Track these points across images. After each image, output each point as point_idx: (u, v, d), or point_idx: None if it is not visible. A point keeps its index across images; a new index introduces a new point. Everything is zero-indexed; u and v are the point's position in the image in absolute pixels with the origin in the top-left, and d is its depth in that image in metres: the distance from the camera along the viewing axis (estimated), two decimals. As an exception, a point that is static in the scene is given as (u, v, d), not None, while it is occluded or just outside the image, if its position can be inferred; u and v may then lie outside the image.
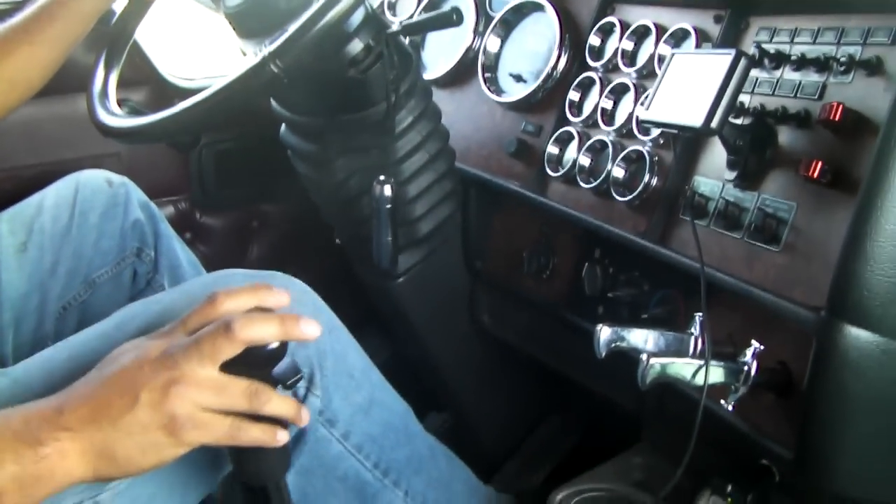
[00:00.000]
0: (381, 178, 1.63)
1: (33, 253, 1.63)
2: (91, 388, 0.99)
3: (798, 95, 1.29)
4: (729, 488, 1.42)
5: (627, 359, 1.31)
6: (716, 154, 1.40)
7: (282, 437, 1.04)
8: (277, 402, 1.02)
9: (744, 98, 1.35)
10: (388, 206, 1.64)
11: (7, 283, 1.58)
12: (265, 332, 0.99)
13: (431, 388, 2.10)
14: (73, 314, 1.67)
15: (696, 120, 1.23)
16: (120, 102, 1.57)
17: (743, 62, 1.22)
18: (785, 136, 1.30)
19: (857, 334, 1.12)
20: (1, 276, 1.58)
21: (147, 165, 2.25)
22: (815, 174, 1.19)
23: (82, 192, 1.70)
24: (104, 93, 1.56)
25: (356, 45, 1.56)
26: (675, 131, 1.38)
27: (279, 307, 1.07)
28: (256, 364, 1.00)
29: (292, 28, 1.28)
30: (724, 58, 1.23)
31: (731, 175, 1.34)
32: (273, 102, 1.74)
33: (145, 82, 2.23)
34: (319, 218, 1.96)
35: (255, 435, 1.02)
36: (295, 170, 1.85)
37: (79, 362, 1.14)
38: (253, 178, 2.43)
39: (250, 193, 2.47)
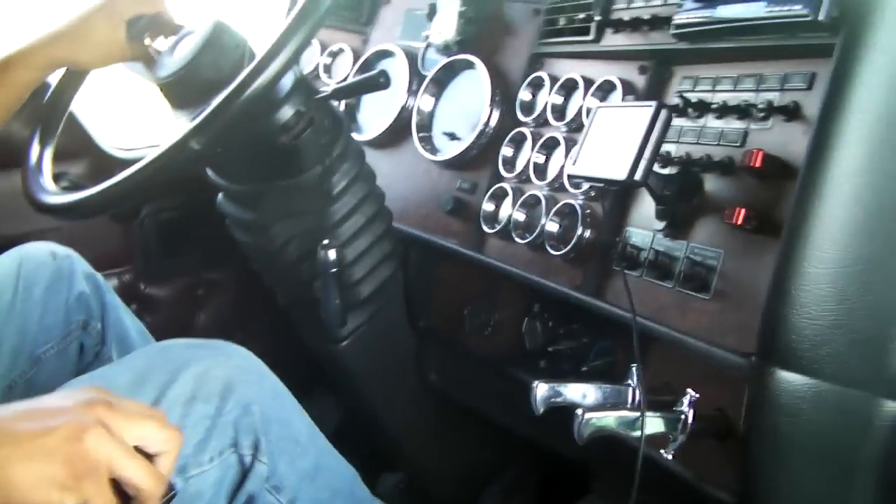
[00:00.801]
0: (325, 242, 1.63)
1: (-23, 330, 1.61)
2: (14, 411, 0.95)
3: (721, 143, 1.31)
4: (678, 535, 1.42)
5: (569, 413, 1.32)
6: (645, 204, 1.41)
7: None
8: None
9: (670, 147, 1.37)
10: (334, 269, 1.64)
11: (-51, 361, 1.57)
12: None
13: (384, 449, 2.09)
14: (18, 392, 1.63)
15: (621, 173, 1.24)
16: (57, 177, 1.56)
17: (664, 113, 1.23)
18: (711, 183, 1.31)
19: (789, 378, 1.13)
20: (-57, 355, 1.56)
21: (91, 237, 2.24)
22: (740, 221, 1.20)
23: (26, 266, 1.68)
24: (39, 168, 1.56)
25: (287, 112, 1.56)
26: (602, 185, 1.39)
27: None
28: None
29: (214, 103, 1.28)
30: (645, 110, 1.25)
31: (661, 225, 1.35)
32: (208, 171, 1.74)
33: (84, 154, 2.23)
34: (263, 284, 1.95)
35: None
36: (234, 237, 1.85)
37: None
38: (196, 246, 2.43)
39: (194, 261, 2.47)
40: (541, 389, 1.30)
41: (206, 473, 1.32)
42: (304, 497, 1.41)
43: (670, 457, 1.28)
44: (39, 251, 1.72)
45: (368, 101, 2.15)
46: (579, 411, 1.23)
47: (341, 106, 2.11)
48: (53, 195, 1.49)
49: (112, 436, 0.93)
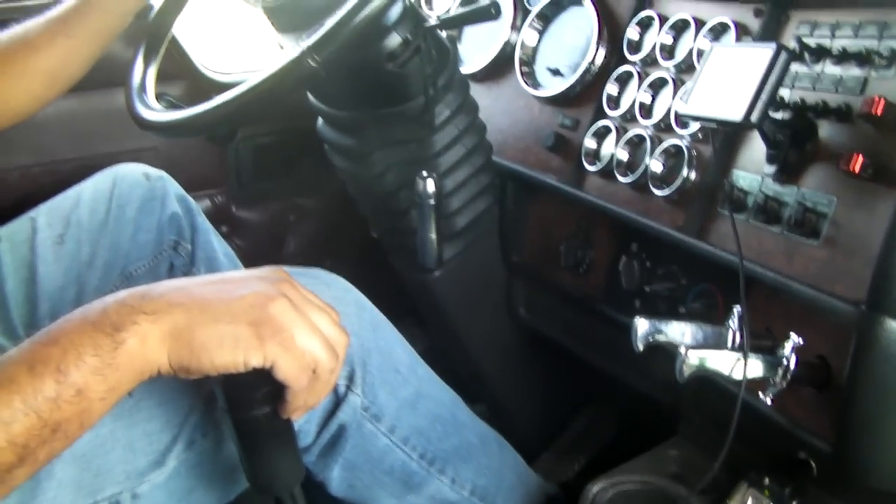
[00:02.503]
0: (424, 173, 1.63)
1: (71, 246, 1.63)
2: (187, 280, 1.00)
3: (839, 90, 1.29)
4: (766, 482, 1.41)
5: (664, 352, 1.32)
6: (755, 148, 1.40)
7: (297, 414, 1.05)
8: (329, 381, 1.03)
9: (783, 92, 1.35)
10: (432, 201, 1.64)
11: (45, 275, 1.59)
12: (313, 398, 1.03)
13: (467, 380, 2.11)
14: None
15: (736, 114, 1.22)
16: (158, 97, 1.57)
17: (783, 56, 1.21)
18: (825, 130, 1.29)
19: (898, 328, 1.12)
20: (38, 269, 1.59)
21: (184, 159, 2.27)
22: (856, 168, 1.18)
23: (120, 186, 1.70)
24: (143, 87, 1.57)
25: (394, 39, 1.56)
26: (714, 125, 1.38)
27: None
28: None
29: (330, 22, 1.28)
30: (764, 51, 1.23)
31: (771, 169, 1.33)
32: (310, 97, 1.75)
33: (183, 76, 2.24)
34: (355, 211, 1.96)
35: (316, 398, 1.04)
36: (331, 163, 1.86)
37: None
38: (289, 172, 2.44)
39: (287, 187, 2.48)
40: (641, 325, 1.29)
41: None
42: (404, 425, 1.43)
43: (769, 401, 1.27)
44: (133, 172, 1.74)
45: (470, 34, 2.13)
46: (682, 349, 1.23)
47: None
48: (158, 112, 1.51)
49: (296, 308, 0.97)
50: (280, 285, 0.98)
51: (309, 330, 0.97)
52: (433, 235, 1.69)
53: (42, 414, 0.88)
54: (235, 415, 1.05)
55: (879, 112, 1.18)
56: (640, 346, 1.30)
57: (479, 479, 1.57)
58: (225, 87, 1.62)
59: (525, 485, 1.72)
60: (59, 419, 0.89)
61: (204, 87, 2.24)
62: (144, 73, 1.60)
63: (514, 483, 1.69)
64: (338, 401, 1.35)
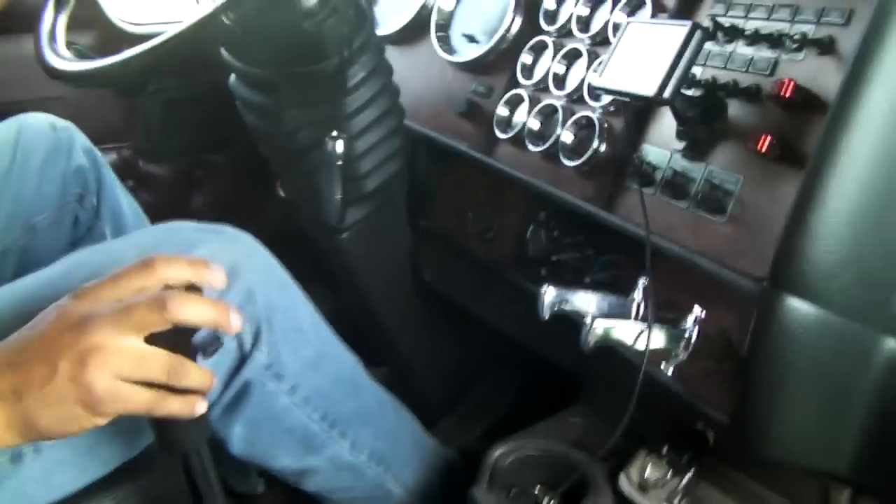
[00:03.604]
0: (334, 133, 1.63)
1: (-27, 195, 1.60)
2: (13, 355, 0.97)
3: (750, 70, 1.31)
4: (665, 450, 1.45)
5: (569, 321, 1.33)
6: (665, 124, 1.41)
7: (200, 408, 1.04)
8: (195, 376, 1.02)
9: (696, 70, 1.37)
10: (339, 162, 1.64)
11: (-56, 224, 1.56)
12: (198, 317, 0.99)
13: (372, 342, 2.11)
14: (11, 259, 1.64)
15: (649, 89, 1.24)
16: (67, 45, 1.55)
17: (698, 34, 1.23)
18: (735, 109, 1.31)
19: (798, 305, 1.14)
20: (-62, 218, 1.56)
21: (92, 110, 2.23)
22: (763, 148, 1.21)
23: (25, 136, 1.67)
24: (52, 34, 1.54)
25: (312, -1, 1.55)
26: (626, 99, 1.39)
27: (213, 288, 1.06)
28: (176, 332, 0.99)
29: None
30: (679, 29, 1.24)
31: (680, 145, 1.35)
32: (223, 52, 1.73)
33: (94, 26, 2.21)
34: (263, 170, 1.95)
35: (175, 407, 1.01)
36: (242, 120, 1.84)
37: (22, 309, 1.13)
38: (199, 127, 2.42)
39: (196, 142, 2.46)
40: (549, 294, 1.31)
41: (204, 357, 1.35)
42: (305, 385, 1.43)
43: (670, 372, 1.30)
44: (39, 122, 1.71)
45: (387, -5, 2.13)
46: (588, 318, 1.25)
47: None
48: (68, 62, 1.48)
49: (108, 356, 0.95)
50: (81, 340, 0.95)
51: (132, 366, 0.97)
52: (338, 196, 1.68)
53: None
54: None
55: (788, 94, 1.20)
56: (547, 315, 1.32)
57: (376, 444, 1.58)
58: (137, 38, 1.59)
59: (421, 449, 1.73)
60: None
61: (115, 37, 2.21)
62: (55, 21, 1.57)
63: (411, 448, 1.70)
64: (243, 358, 1.35)
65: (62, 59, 1.49)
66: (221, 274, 1.05)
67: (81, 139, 1.74)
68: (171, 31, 1.31)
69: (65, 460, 1.20)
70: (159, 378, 0.98)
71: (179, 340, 1.00)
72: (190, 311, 0.97)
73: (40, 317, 1.00)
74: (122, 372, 0.96)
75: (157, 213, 1.75)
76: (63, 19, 1.58)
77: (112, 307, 0.97)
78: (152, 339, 0.97)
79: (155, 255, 1.01)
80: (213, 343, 1.05)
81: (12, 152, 1.65)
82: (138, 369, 0.96)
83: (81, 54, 1.61)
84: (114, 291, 1.00)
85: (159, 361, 0.98)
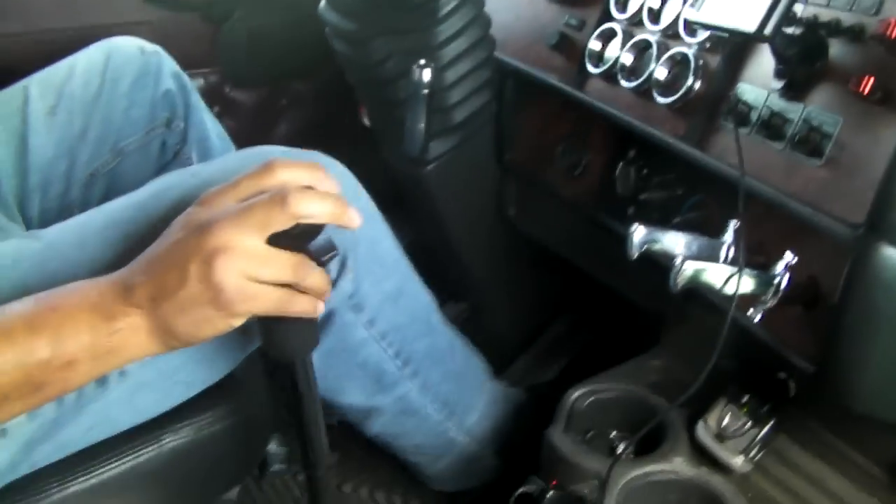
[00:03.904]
0: (422, 61, 1.61)
1: (62, 118, 1.60)
2: (149, 265, 0.99)
3: (853, 9, 1.26)
4: (745, 398, 1.42)
5: (653, 261, 1.31)
6: (763, 62, 1.37)
7: (320, 308, 1.05)
8: (317, 276, 1.02)
9: (797, 7, 1.32)
10: (426, 91, 1.62)
11: (35, 146, 1.56)
12: (318, 212, 0.97)
13: (453, 278, 2.10)
14: (100, 182, 1.65)
15: (749, 25, 1.19)
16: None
17: (803, -32, 1.19)
18: (836, 49, 1.26)
19: (894, 254, 1.11)
20: (29, 140, 1.56)
21: (179, 36, 2.23)
22: (865, 90, 1.16)
23: (114, 59, 1.67)
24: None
25: (406, -75, 1.53)
26: (724, 35, 1.35)
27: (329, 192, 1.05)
28: (296, 237, 0.99)
29: None
30: (783, -37, 1.20)
31: (778, 84, 1.31)
32: (314, -23, 1.72)
33: (182, -50, 2.20)
34: (348, 99, 1.94)
35: (303, 306, 1.02)
36: (328, 48, 1.83)
37: (114, 231, 1.14)
38: (285, 55, 2.41)
39: (281, 70, 2.45)
40: (639, 232, 1.29)
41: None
42: (383, 318, 1.43)
43: (757, 318, 1.27)
44: (128, 45, 1.70)
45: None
46: (678, 259, 1.22)
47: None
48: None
49: (235, 256, 0.95)
50: (208, 242, 0.96)
51: (259, 266, 0.97)
52: (422, 126, 1.67)
53: (30, 373, 0.93)
54: None
55: (894, 35, 1.16)
56: (635, 254, 1.30)
57: (443, 386, 1.58)
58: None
59: (488, 394, 1.74)
60: (43, 381, 0.94)
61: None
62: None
63: (477, 393, 1.71)
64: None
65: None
66: (335, 182, 1.04)
67: (170, 63, 1.74)
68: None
69: (149, 383, 1.21)
70: (286, 276, 0.99)
71: (298, 246, 1.00)
72: (310, 207, 0.96)
73: (170, 227, 1.01)
74: (250, 271, 0.96)
75: (242, 139, 1.75)
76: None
77: (234, 208, 0.98)
78: (273, 243, 0.97)
79: (274, 159, 1.02)
80: (328, 250, 1.04)
81: (102, 76, 1.65)
82: (264, 268, 0.97)
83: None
84: (235, 194, 1.01)
85: (284, 260, 0.98)
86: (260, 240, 0.96)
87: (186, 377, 1.26)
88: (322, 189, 1.01)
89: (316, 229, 1.01)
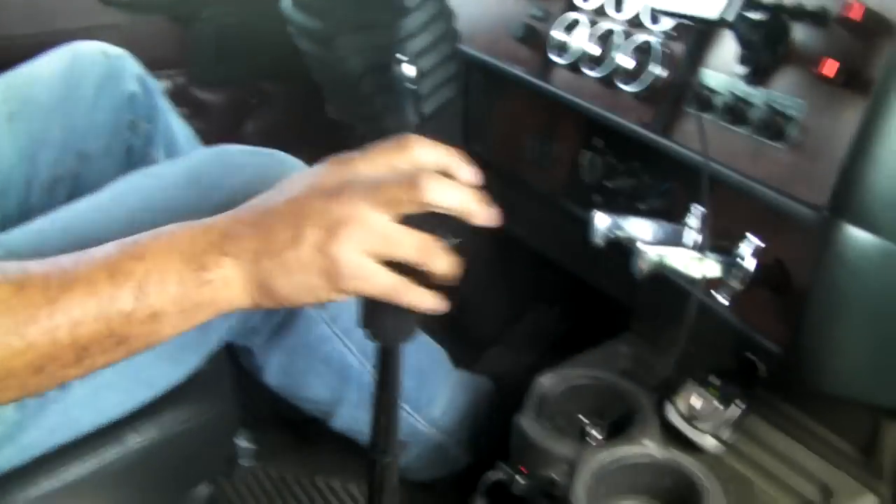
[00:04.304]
0: (399, 56, 1.61)
1: (24, 123, 1.58)
2: (257, 216, 0.94)
3: (816, -8, 1.28)
4: (714, 380, 1.43)
5: (621, 248, 1.32)
6: (726, 48, 1.38)
7: (441, 305, 0.99)
8: (445, 260, 0.96)
9: (760, -9, 1.34)
10: (412, 85, 1.62)
11: (-4, 151, 1.56)
12: (451, 202, 0.93)
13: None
14: (63, 187, 1.63)
15: (712, 12, 1.21)
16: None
17: (764, -46, 1.20)
18: (800, 33, 1.27)
19: (858, 235, 1.12)
20: (-10, 145, 1.56)
21: (145, 38, 2.23)
22: (829, 73, 1.17)
23: (77, 63, 1.66)
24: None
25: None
26: (688, 22, 1.36)
27: (463, 180, 0.99)
28: (424, 222, 0.93)
29: None
30: (743, -51, 1.21)
31: (742, 70, 1.32)
32: (277, -25, 1.72)
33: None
34: (317, 98, 1.94)
35: (417, 299, 0.96)
36: (295, 47, 1.83)
37: (74, 234, 1.13)
38: (252, 55, 2.41)
39: (249, 70, 2.45)
40: (601, 220, 1.29)
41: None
42: (346, 315, 1.44)
43: (725, 302, 1.28)
44: (91, 49, 1.69)
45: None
46: (641, 245, 1.23)
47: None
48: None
49: (359, 229, 0.91)
50: (332, 208, 0.91)
51: (382, 243, 0.92)
52: (412, 120, 1.66)
53: (112, 324, 0.88)
54: None
55: (859, 17, 1.16)
56: (600, 241, 1.30)
57: (406, 379, 1.58)
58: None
59: (450, 386, 1.75)
60: (127, 334, 0.89)
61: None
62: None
63: (440, 384, 1.72)
64: None
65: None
66: (474, 174, 1.00)
67: (134, 66, 1.73)
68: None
69: (112, 384, 1.21)
70: (410, 256, 0.93)
71: (426, 230, 0.94)
72: (442, 194, 0.91)
73: (289, 182, 0.97)
74: (372, 247, 0.91)
75: (211, 140, 1.74)
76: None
77: (366, 180, 0.92)
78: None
79: (410, 136, 0.97)
80: (452, 237, 0.98)
81: (64, 80, 1.64)
82: (388, 245, 0.91)
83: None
84: (367, 166, 0.94)
85: (411, 240, 0.92)
86: (389, 218, 0.91)
87: (150, 377, 1.26)
88: (459, 177, 0.97)
89: (445, 217, 0.95)
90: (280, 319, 1.41)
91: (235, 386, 1.45)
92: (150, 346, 0.93)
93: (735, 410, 1.40)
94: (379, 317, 0.99)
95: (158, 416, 1.30)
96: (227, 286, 0.92)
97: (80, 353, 0.87)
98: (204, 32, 2.32)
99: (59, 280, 0.87)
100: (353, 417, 1.58)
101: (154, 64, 1.86)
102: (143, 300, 0.88)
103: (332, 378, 1.51)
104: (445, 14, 1.74)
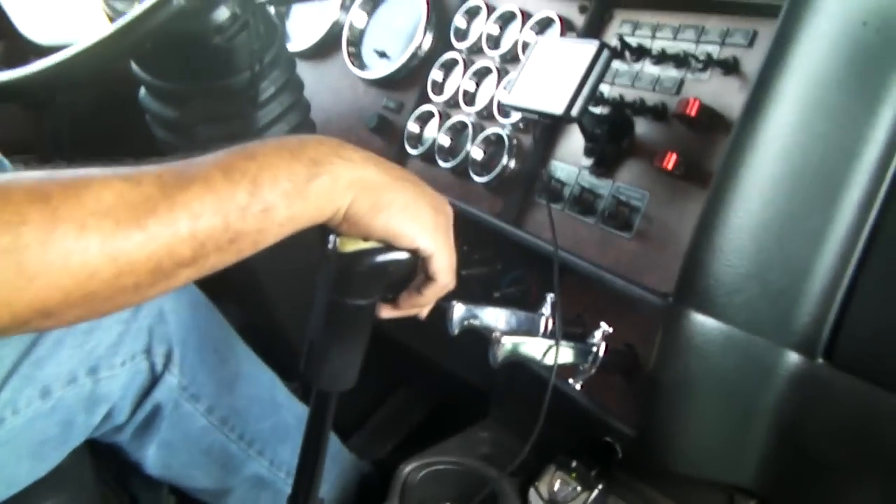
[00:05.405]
0: None
1: None
2: (392, 171, 1.01)
3: (656, 89, 1.34)
4: (574, 464, 1.46)
5: (478, 336, 1.34)
6: (573, 140, 1.43)
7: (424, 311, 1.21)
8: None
9: (604, 88, 1.39)
10: None
11: None
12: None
13: (283, 358, 2.10)
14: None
15: (557, 107, 1.25)
16: (-29, 57, 1.53)
17: (605, 53, 1.25)
18: (642, 127, 1.33)
19: (702, 320, 1.16)
20: None
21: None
22: (669, 166, 1.23)
23: None
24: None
25: (223, 13, 1.53)
26: (535, 116, 1.41)
27: None
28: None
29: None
30: (587, 47, 1.26)
31: (588, 162, 1.37)
32: (133, 65, 1.71)
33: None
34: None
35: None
36: (151, 134, 1.82)
37: None
38: (109, 140, 2.38)
39: (104, 156, 2.42)
40: (458, 310, 1.31)
41: (115, 377, 1.33)
42: (222, 405, 1.43)
43: (578, 387, 1.31)
44: None
45: (299, 12, 2.11)
46: (496, 334, 1.25)
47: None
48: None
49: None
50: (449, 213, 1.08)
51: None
52: None
53: (229, 219, 0.87)
54: (335, 297, 1.09)
55: (693, 113, 1.23)
56: (456, 330, 1.32)
57: (295, 460, 1.58)
58: (45, 50, 1.57)
59: (339, 463, 1.73)
60: (240, 230, 0.89)
61: (20, 49, 2.17)
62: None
63: (329, 463, 1.70)
64: (154, 379, 1.34)
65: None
66: None
67: (-13, 150, 1.71)
68: (81, 44, 1.30)
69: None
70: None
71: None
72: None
73: None
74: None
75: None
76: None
77: None
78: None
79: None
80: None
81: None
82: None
83: (-8, 66, 1.58)
84: None
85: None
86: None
87: (8, 475, 1.24)
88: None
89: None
90: (146, 416, 1.39)
91: (98, 478, 1.43)
92: (258, 247, 0.94)
93: (595, 493, 1.42)
94: (323, 362, 1.09)
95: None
96: (335, 182, 0.94)
97: (197, 250, 0.86)
98: (59, 117, 2.29)
99: (175, 178, 0.86)
100: (241, 501, 1.56)
101: (7, 148, 1.84)
102: (256, 195, 0.89)
103: (216, 467, 1.50)
104: (300, 105, 1.76)
